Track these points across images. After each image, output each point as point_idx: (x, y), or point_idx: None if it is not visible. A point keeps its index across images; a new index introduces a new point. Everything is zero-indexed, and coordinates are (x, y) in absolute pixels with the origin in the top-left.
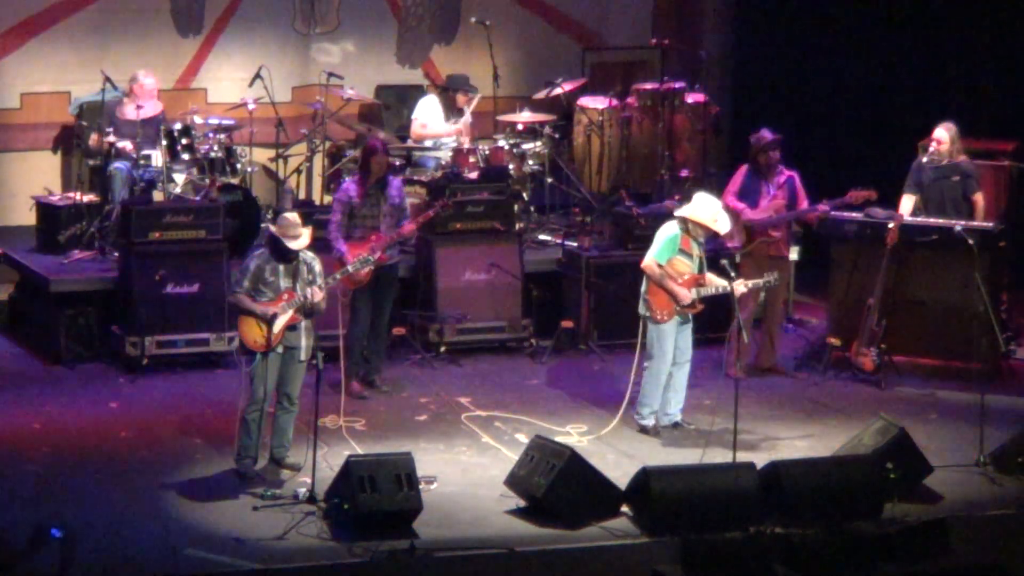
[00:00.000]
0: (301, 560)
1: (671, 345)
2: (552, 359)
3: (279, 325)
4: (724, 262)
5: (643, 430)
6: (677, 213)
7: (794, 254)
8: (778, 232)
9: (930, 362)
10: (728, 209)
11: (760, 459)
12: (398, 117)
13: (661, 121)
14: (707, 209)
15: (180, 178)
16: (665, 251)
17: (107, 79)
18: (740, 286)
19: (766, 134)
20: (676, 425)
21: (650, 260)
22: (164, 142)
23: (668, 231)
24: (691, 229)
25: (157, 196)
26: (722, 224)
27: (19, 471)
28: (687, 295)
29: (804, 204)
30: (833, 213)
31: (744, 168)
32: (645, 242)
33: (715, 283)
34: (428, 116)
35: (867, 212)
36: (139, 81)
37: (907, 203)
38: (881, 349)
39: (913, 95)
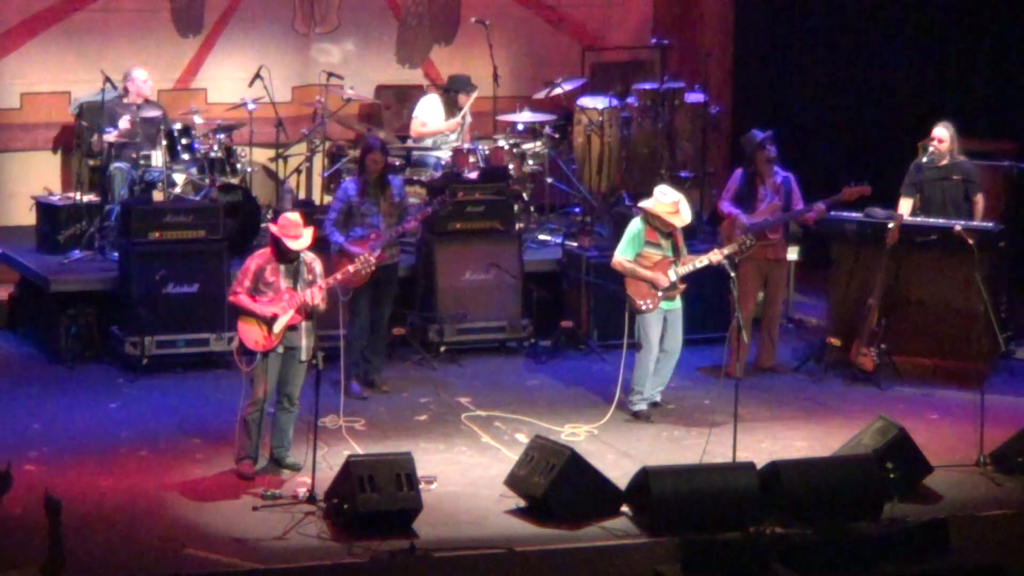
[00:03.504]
0: (301, 560)
1: (656, 334)
2: (552, 359)
3: (279, 325)
4: (724, 262)
5: (635, 415)
6: (639, 206)
7: (794, 254)
8: (775, 234)
9: (930, 362)
10: (724, 216)
11: (760, 459)
12: (398, 117)
13: (661, 121)
14: (665, 201)
15: (180, 178)
16: (630, 246)
17: (107, 79)
18: (716, 254)
19: (757, 133)
20: (655, 404)
21: (618, 257)
22: (164, 142)
23: (632, 226)
24: (652, 221)
25: (157, 196)
26: (682, 215)
27: (19, 471)
28: (663, 278)
29: (800, 205)
30: (832, 213)
31: (738, 172)
32: None
33: (692, 260)
34: (429, 115)
35: (867, 212)
36: (131, 77)
37: (905, 205)
38: (881, 349)
39: (912, 95)
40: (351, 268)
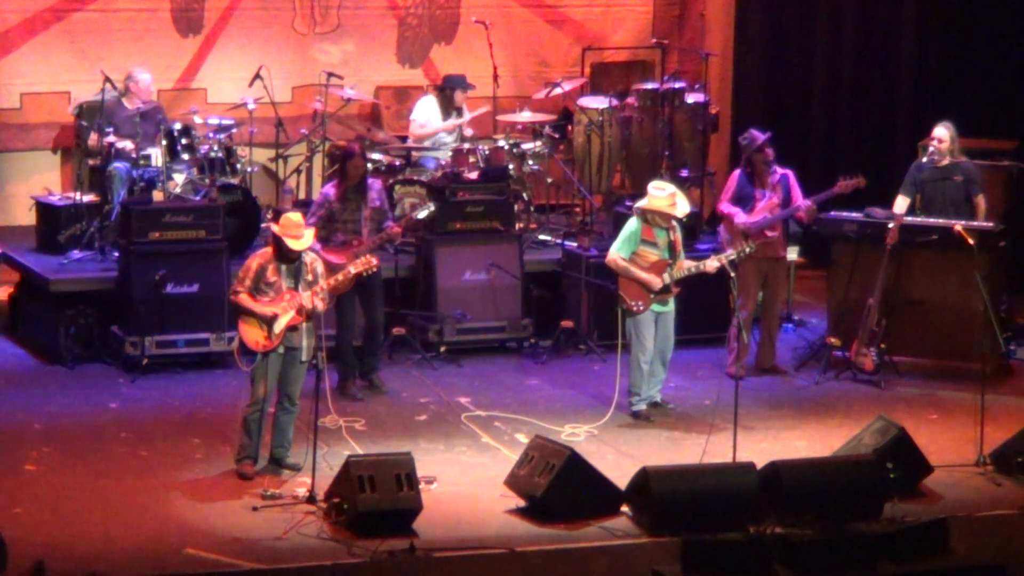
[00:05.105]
0: (301, 560)
1: (649, 334)
2: (552, 359)
3: (280, 325)
4: (724, 262)
5: (635, 415)
6: (635, 206)
7: (794, 254)
8: (774, 232)
9: (930, 362)
10: (722, 216)
11: (760, 459)
12: (398, 117)
13: (661, 121)
14: (661, 195)
15: (180, 178)
16: (626, 244)
17: (107, 79)
18: (713, 262)
19: (757, 134)
20: (655, 404)
21: (612, 255)
22: (164, 142)
23: (629, 224)
24: (650, 219)
25: (157, 196)
26: (680, 206)
27: (19, 471)
28: (657, 280)
29: (799, 201)
30: (832, 213)
31: (737, 173)
32: None
33: (689, 265)
34: (426, 117)
35: (867, 212)
36: (135, 78)
37: (901, 203)
38: (881, 349)
39: (912, 95)
40: (352, 270)
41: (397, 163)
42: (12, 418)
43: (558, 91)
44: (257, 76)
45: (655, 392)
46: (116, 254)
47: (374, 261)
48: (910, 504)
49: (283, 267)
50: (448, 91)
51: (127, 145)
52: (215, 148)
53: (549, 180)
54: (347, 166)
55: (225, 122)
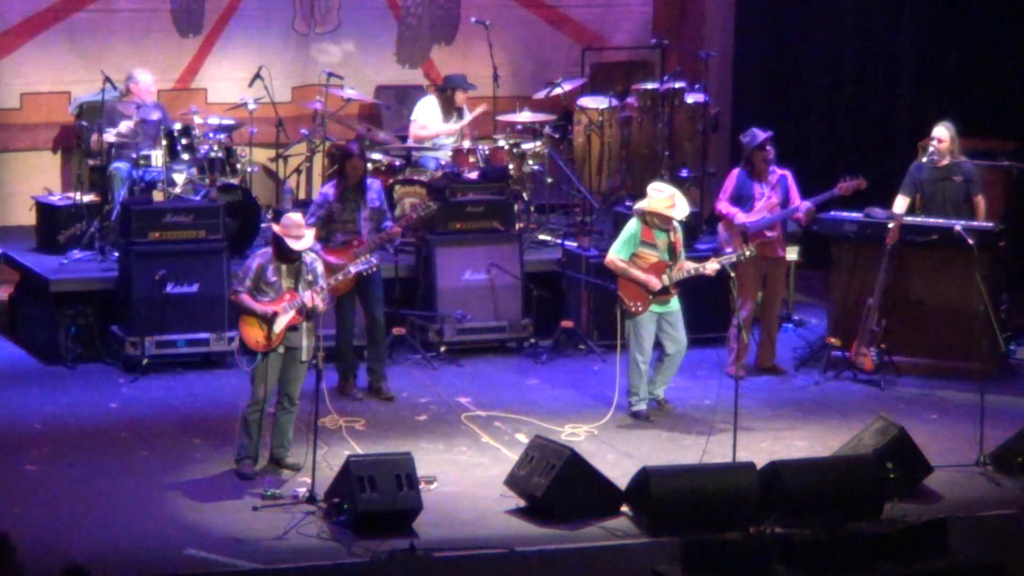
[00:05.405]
0: (301, 560)
1: (648, 336)
2: (552, 359)
3: (280, 325)
4: (724, 263)
5: (635, 416)
6: (635, 208)
7: (794, 254)
8: (773, 232)
9: (930, 362)
10: (721, 216)
11: (760, 459)
12: (398, 117)
13: (661, 121)
14: (660, 197)
15: (180, 178)
16: (625, 245)
17: (107, 79)
18: (713, 264)
19: (758, 132)
20: (658, 404)
21: (611, 256)
22: (164, 142)
23: (628, 226)
24: (649, 220)
25: (157, 196)
26: (679, 208)
27: (19, 471)
28: (655, 281)
29: (797, 201)
30: (832, 212)
31: (736, 172)
32: None
33: (688, 266)
34: (427, 117)
35: (867, 212)
36: (135, 79)
37: (900, 203)
38: (881, 349)
39: (913, 94)
40: (353, 269)
41: (397, 163)
42: (12, 418)
43: (558, 91)
44: (257, 76)
45: (660, 391)
46: (116, 254)
47: (374, 261)
48: (910, 504)
49: (283, 267)
50: (448, 91)
51: (129, 126)
52: (215, 148)
53: (549, 180)
54: (346, 166)
55: (225, 122)
